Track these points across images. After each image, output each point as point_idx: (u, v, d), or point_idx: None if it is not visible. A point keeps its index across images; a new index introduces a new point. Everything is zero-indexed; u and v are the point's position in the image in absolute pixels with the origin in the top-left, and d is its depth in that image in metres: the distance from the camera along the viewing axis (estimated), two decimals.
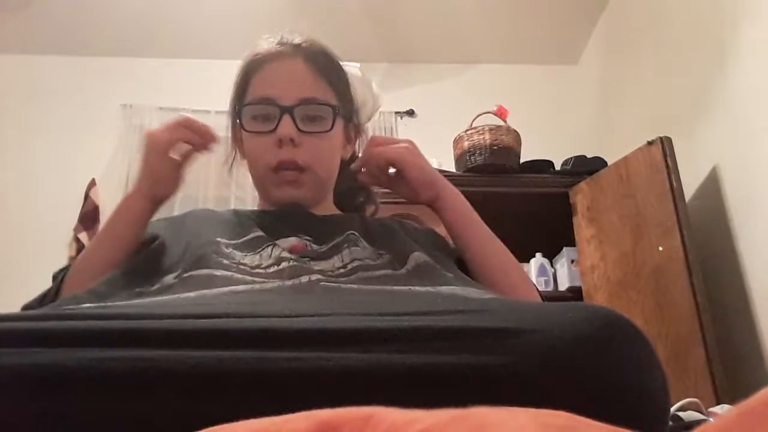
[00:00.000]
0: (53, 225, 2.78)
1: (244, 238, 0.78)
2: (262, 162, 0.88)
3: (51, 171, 2.95)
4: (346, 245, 0.78)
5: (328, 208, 0.96)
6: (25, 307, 0.81)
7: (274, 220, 0.86)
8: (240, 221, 0.86)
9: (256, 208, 0.96)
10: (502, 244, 0.89)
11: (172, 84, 3.13)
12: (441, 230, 1.00)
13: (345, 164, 0.98)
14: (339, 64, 0.95)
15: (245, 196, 2.77)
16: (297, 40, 0.93)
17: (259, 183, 0.92)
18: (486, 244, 0.88)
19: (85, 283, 0.75)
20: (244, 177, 0.99)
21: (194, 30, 3.10)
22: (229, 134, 0.98)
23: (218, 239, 0.78)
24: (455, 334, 0.42)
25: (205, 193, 2.91)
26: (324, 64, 0.92)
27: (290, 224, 0.84)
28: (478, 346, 0.41)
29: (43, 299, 0.82)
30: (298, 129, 0.86)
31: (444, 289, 0.70)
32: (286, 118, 0.85)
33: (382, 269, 0.74)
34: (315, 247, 0.79)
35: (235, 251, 0.75)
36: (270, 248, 0.75)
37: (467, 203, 0.91)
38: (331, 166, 0.93)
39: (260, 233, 0.79)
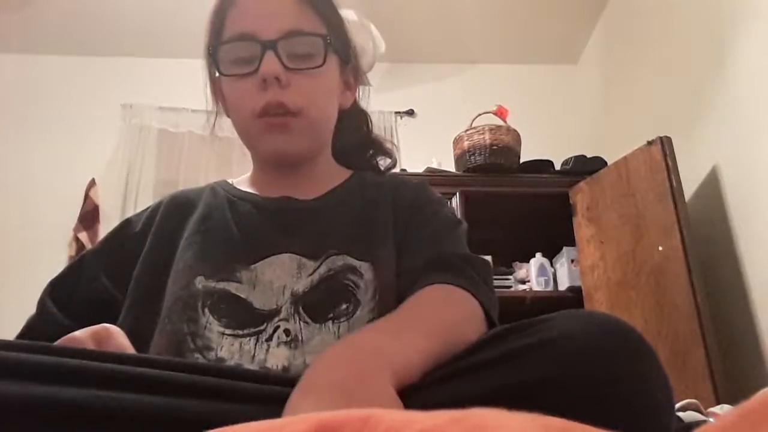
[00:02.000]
0: (53, 225, 2.78)
1: (226, 284, 0.68)
2: (246, 109, 0.74)
3: (51, 171, 2.95)
4: (344, 317, 0.66)
5: (327, 166, 0.85)
6: None
7: (260, 221, 0.76)
8: (227, 222, 0.75)
9: (245, 188, 0.83)
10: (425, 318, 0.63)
11: (172, 84, 3.13)
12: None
13: (345, 115, 0.86)
14: None
15: None
16: None
17: (245, 136, 0.79)
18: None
19: None
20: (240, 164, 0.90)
21: (194, 30, 3.08)
22: (207, 88, 0.84)
23: (197, 286, 0.68)
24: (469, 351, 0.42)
25: None
26: None
27: (278, 225, 0.75)
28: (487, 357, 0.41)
29: None
30: (284, 66, 0.73)
31: None
32: (269, 55, 0.72)
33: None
34: (309, 263, 0.70)
35: (220, 339, 0.64)
36: (259, 341, 0.64)
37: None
38: (327, 109, 0.80)
39: (243, 285, 0.68)
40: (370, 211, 0.78)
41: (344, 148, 0.88)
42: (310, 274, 0.69)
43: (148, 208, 0.84)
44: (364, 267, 0.70)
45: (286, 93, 0.73)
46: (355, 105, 0.89)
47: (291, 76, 0.74)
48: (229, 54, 0.75)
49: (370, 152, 0.92)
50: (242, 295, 0.68)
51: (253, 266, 0.70)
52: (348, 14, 0.86)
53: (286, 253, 0.71)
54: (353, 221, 0.76)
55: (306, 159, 0.80)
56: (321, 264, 0.70)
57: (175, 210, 0.80)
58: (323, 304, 0.67)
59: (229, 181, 0.86)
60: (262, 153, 0.80)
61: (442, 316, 0.60)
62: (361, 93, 0.90)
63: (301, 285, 0.69)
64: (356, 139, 0.90)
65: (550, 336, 0.42)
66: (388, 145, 0.93)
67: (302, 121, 0.75)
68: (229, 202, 0.79)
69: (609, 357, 0.41)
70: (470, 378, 0.42)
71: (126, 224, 0.83)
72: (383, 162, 0.92)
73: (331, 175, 0.84)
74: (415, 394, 0.43)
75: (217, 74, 0.81)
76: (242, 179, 0.87)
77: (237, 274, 0.69)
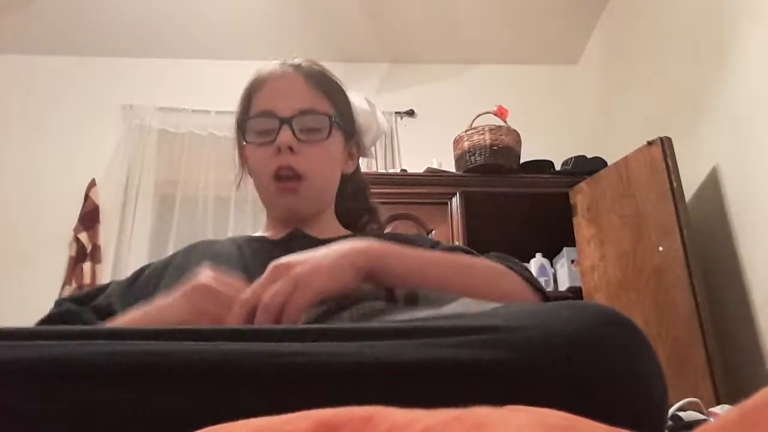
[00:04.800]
0: (53, 225, 2.78)
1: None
2: (263, 171, 0.91)
3: (51, 171, 2.95)
4: (356, 305, 0.72)
5: (329, 222, 0.98)
6: None
7: (271, 249, 0.85)
8: (242, 256, 0.86)
9: (260, 234, 0.98)
10: (475, 266, 0.79)
11: (172, 84, 3.13)
12: (440, 230, 1.00)
13: (349, 180, 1.02)
14: (338, 82, 1.00)
15: (246, 196, 2.77)
16: (297, 61, 0.98)
17: (263, 193, 0.96)
18: (455, 285, 0.76)
19: None
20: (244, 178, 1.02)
21: (194, 30, 3.10)
22: (236, 155, 1.02)
23: None
24: (452, 331, 0.42)
25: (205, 194, 2.91)
26: (322, 80, 0.96)
27: (289, 252, 0.79)
28: (475, 343, 0.41)
29: None
30: (296, 138, 0.89)
31: (446, 308, 0.69)
32: (285, 128, 0.89)
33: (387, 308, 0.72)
34: None
35: None
36: None
37: (412, 255, 0.75)
38: (329, 174, 0.96)
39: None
40: None
41: (344, 211, 1.03)
42: None
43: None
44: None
45: (296, 159, 0.89)
46: (358, 174, 1.06)
47: (301, 145, 0.90)
48: (253, 126, 0.93)
49: (366, 218, 1.07)
50: None
51: None
52: (358, 99, 1.05)
53: None
54: None
55: (312, 216, 0.95)
56: None
57: (192, 249, 0.92)
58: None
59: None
60: (275, 210, 0.96)
61: (476, 262, 0.80)
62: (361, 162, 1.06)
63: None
64: (355, 204, 1.06)
65: (546, 321, 0.42)
66: (381, 216, 1.09)
67: (308, 185, 0.91)
68: (245, 241, 0.93)
69: (604, 346, 0.41)
70: (443, 338, 0.42)
71: (143, 268, 0.93)
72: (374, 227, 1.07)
73: (337, 228, 0.99)
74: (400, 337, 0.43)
75: (244, 143, 0.97)
76: (258, 233, 1.00)
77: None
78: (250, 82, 0.97)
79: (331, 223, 0.99)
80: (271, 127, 0.90)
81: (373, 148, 2.98)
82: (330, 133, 0.92)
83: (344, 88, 1.00)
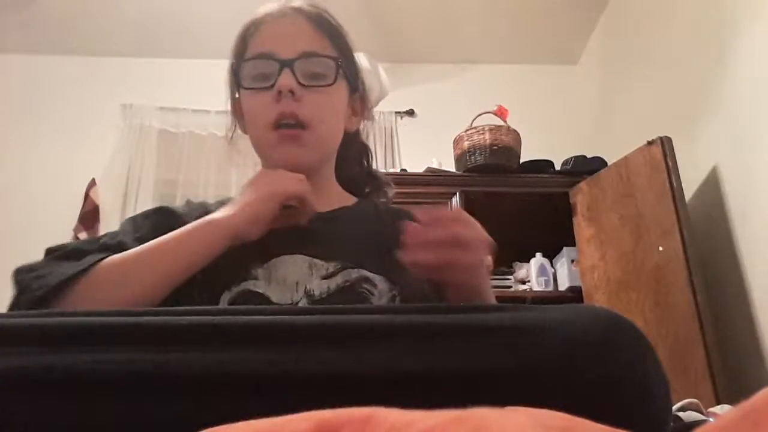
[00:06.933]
0: (53, 225, 2.78)
1: (245, 283, 0.72)
2: (261, 119, 0.82)
3: (51, 171, 2.95)
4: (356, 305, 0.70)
5: (331, 186, 0.90)
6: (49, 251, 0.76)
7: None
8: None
9: None
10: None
11: (172, 84, 3.13)
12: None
13: (349, 144, 0.93)
14: (341, 27, 0.89)
15: None
16: (298, 3, 0.87)
17: (260, 147, 0.86)
18: None
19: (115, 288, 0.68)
20: (243, 174, 0.94)
21: (194, 30, 3.10)
22: (228, 105, 0.93)
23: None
24: (453, 333, 0.42)
25: (205, 194, 2.90)
26: (326, 23, 0.86)
27: (291, 229, 0.79)
28: (479, 346, 0.41)
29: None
30: (299, 82, 0.80)
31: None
32: (286, 71, 0.80)
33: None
34: (320, 263, 0.75)
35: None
36: None
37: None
38: (333, 126, 0.86)
39: (260, 281, 0.73)
40: (388, 234, 0.82)
41: (346, 179, 0.94)
42: (324, 277, 0.74)
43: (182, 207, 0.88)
44: (377, 279, 0.75)
45: (299, 106, 0.80)
46: (359, 137, 0.96)
47: (304, 91, 0.81)
48: (250, 70, 0.83)
49: (368, 189, 0.98)
50: (260, 290, 0.72)
51: (266, 264, 0.74)
52: (360, 58, 0.95)
53: (298, 254, 0.76)
54: (368, 238, 0.82)
55: (313, 173, 0.85)
56: (337, 273, 0.75)
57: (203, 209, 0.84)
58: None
59: None
60: (274, 163, 0.85)
61: None
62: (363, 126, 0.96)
63: (315, 285, 0.73)
64: (357, 171, 0.97)
65: (549, 325, 0.42)
66: (386, 185, 0.99)
67: (312, 134, 0.81)
68: None
69: (606, 349, 0.41)
70: (447, 341, 0.42)
71: (170, 212, 0.85)
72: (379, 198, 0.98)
73: (339, 195, 0.90)
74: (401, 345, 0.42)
75: (237, 95, 0.89)
76: None
77: (253, 271, 0.74)
78: (245, 24, 0.87)
79: (335, 187, 0.91)
80: (269, 70, 0.81)
81: (373, 148, 3.00)
82: (335, 79, 0.83)
83: (344, 30, 0.89)
